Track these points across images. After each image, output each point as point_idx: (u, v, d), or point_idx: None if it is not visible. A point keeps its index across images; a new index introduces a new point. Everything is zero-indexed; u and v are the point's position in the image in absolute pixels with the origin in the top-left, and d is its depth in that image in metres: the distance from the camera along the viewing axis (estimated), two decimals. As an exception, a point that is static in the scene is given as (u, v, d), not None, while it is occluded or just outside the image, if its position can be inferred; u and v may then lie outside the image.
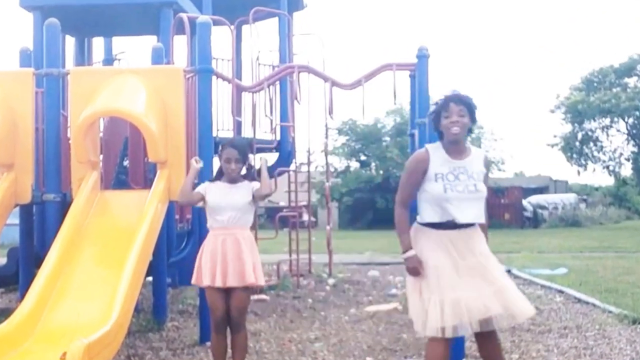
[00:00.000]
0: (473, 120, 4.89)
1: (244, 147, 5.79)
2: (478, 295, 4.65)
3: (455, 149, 4.88)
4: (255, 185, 5.70)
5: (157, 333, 7.90)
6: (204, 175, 6.90)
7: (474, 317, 4.63)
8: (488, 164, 5.07)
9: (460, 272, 4.72)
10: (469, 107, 4.85)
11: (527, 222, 42.57)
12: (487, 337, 4.83)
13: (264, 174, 5.74)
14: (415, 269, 4.80)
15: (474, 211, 4.82)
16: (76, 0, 10.05)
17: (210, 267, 5.56)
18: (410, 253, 4.84)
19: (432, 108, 5.04)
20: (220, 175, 5.83)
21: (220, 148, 5.78)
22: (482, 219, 4.90)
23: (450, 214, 4.75)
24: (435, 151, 4.90)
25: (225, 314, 5.52)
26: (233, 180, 5.70)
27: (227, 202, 5.59)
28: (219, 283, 5.47)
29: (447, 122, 4.80)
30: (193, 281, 5.76)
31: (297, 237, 12.47)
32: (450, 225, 4.79)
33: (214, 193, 5.68)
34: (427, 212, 4.87)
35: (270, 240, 11.88)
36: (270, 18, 13.65)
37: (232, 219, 5.56)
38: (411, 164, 5.00)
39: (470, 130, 4.98)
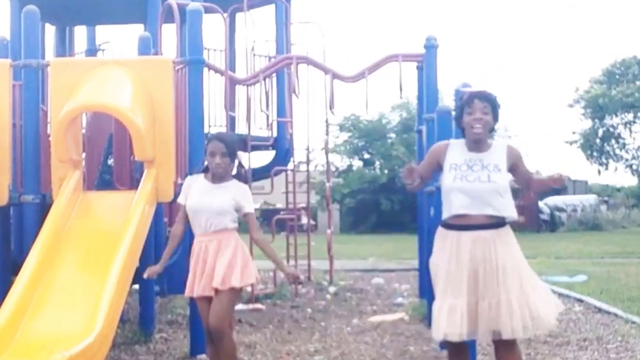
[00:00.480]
0: (496, 119, 5.03)
1: (232, 142, 5.67)
2: (483, 304, 4.76)
3: (476, 144, 5.00)
4: (247, 197, 5.59)
5: (144, 345, 7.90)
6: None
7: (469, 326, 4.77)
8: (513, 152, 5.12)
9: (467, 278, 4.81)
10: (493, 105, 4.98)
11: (543, 226, 42.57)
12: (503, 345, 4.87)
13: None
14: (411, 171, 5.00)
15: (486, 206, 4.87)
16: (57, -14, 10.08)
17: (191, 277, 5.58)
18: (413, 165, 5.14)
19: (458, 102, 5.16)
20: (206, 170, 5.76)
21: (206, 142, 5.73)
22: (502, 211, 4.93)
23: (455, 203, 4.89)
24: (455, 146, 5.10)
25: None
26: (218, 179, 5.60)
27: (204, 205, 5.51)
28: (197, 293, 5.49)
29: (470, 118, 4.92)
30: (186, 292, 5.77)
31: (296, 242, 12.49)
32: (458, 225, 4.89)
33: (194, 194, 5.60)
34: (444, 209, 5.03)
35: (266, 245, 11.87)
36: (267, 5, 13.65)
37: (210, 224, 5.50)
38: (430, 150, 5.28)
39: (492, 129, 5.09)
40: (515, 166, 5.02)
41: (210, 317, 5.41)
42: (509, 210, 4.96)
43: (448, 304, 4.83)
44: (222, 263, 5.45)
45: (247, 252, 5.69)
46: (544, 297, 4.95)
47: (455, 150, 5.03)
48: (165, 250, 5.87)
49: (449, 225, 4.95)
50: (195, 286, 5.49)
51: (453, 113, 5.29)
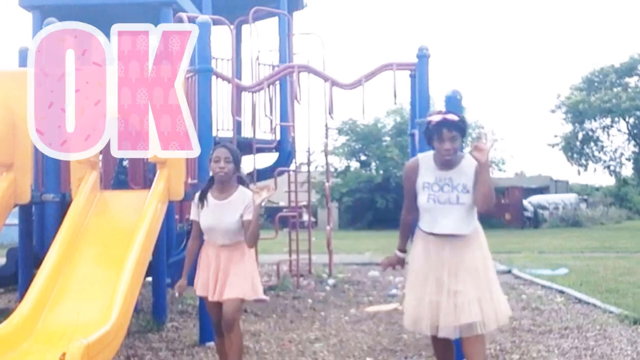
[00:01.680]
0: (464, 136, 4.97)
1: (235, 150, 5.58)
2: (445, 301, 4.84)
3: (445, 162, 4.96)
4: (248, 198, 5.45)
5: (156, 333, 7.91)
6: (202, 178, 6.94)
7: (429, 321, 4.90)
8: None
9: (434, 279, 4.90)
10: (460, 129, 4.90)
11: (527, 222, 42.58)
12: (465, 342, 4.90)
13: (255, 217, 5.36)
14: (384, 263, 5.43)
15: (454, 223, 4.89)
16: (75, 0, 10.05)
17: (203, 281, 5.55)
18: (395, 252, 5.33)
19: (426, 122, 5.09)
20: (209, 186, 5.62)
21: (211, 151, 5.61)
22: (463, 230, 4.93)
23: (435, 222, 4.93)
24: (425, 160, 5.05)
25: (220, 317, 5.51)
26: (223, 186, 5.49)
27: (218, 225, 5.43)
28: (212, 297, 5.46)
29: (440, 147, 4.87)
30: (197, 292, 5.73)
31: (297, 237, 12.49)
32: (432, 232, 4.96)
33: (205, 213, 5.51)
34: (421, 219, 5.06)
35: (270, 241, 11.89)
36: (270, 18, 13.67)
37: (225, 240, 5.46)
38: (404, 173, 5.20)
39: (461, 147, 5.07)
40: (475, 174, 4.94)
41: (225, 311, 5.39)
42: (473, 224, 4.98)
43: (419, 297, 4.95)
44: (236, 275, 5.41)
45: (253, 261, 5.65)
46: (498, 301, 4.97)
47: (426, 168, 4.99)
48: (185, 266, 5.78)
49: (425, 231, 5.02)
50: (210, 292, 5.45)
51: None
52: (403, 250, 5.28)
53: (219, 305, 5.46)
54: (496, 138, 5.17)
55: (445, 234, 4.89)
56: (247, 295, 5.46)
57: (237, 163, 5.54)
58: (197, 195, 5.63)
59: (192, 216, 5.65)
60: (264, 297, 5.59)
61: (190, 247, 5.75)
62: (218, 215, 5.42)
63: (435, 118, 4.89)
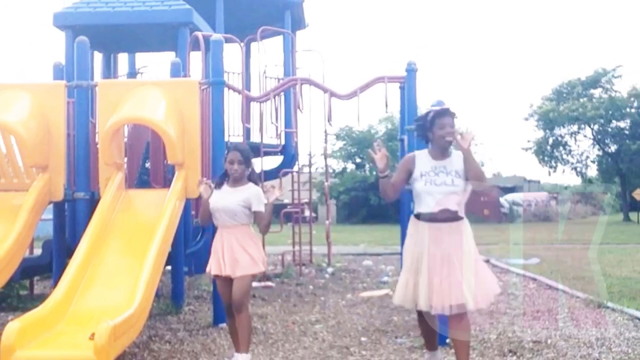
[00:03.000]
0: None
1: (247, 152, 5.66)
2: (437, 281, 4.84)
3: (439, 153, 5.05)
4: (257, 197, 5.51)
5: (175, 316, 7.90)
6: (216, 176, 6.93)
7: (416, 299, 4.94)
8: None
9: (420, 260, 4.94)
10: (455, 119, 5.05)
11: (504, 218, 42.57)
12: (451, 319, 4.89)
13: (268, 213, 5.53)
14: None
15: (449, 202, 4.93)
16: (104, 20, 10.05)
17: (215, 260, 5.55)
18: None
19: (423, 115, 5.18)
20: (223, 178, 5.70)
21: (225, 152, 5.72)
22: (456, 208, 4.96)
23: (426, 202, 4.96)
24: (421, 156, 5.14)
25: (230, 300, 5.51)
26: (236, 182, 5.58)
27: (222, 205, 5.49)
28: (224, 272, 5.46)
29: (441, 132, 4.96)
30: (212, 272, 5.69)
31: (300, 231, 12.49)
32: (427, 218, 4.96)
33: (215, 195, 5.58)
34: (416, 205, 5.11)
35: (275, 234, 11.85)
36: (276, 36, 13.67)
37: (226, 220, 5.50)
38: (401, 162, 5.29)
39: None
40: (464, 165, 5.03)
41: (234, 294, 5.39)
42: (461, 207, 5.01)
43: (409, 278, 5.00)
44: (242, 255, 5.43)
45: (259, 243, 5.67)
46: (485, 280, 4.97)
47: (422, 160, 5.09)
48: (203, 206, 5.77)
49: (419, 216, 5.03)
50: (222, 268, 5.46)
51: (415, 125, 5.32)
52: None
53: (229, 286, 5.45)
54: (474, 135, 5.17)
55: (439, 212, 4.91)
56: (254, 269, 5.49)
57: (247, 161, 5.61)
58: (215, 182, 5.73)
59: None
60: (270, 283, 5.59)
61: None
62: (224, 198, 5.51)
63: (436, 108, 5.07)
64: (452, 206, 4.93)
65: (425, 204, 4.97)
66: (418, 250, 4.98)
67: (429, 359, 5.32)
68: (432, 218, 4.94)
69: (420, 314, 5.15)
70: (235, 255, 5.44)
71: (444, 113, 5.00)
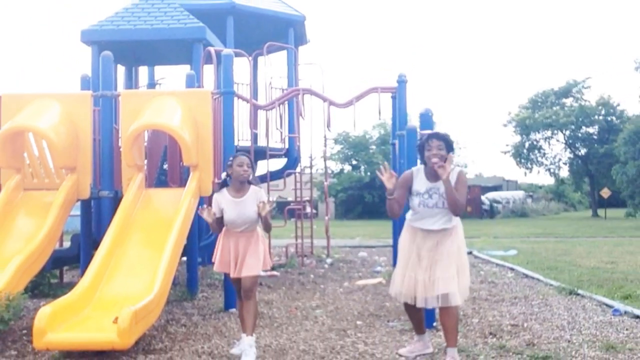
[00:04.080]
0: (450, 150, 4.93)
1: (251, 159, 5.59)
2: (426, 278, 4.92)
3: (433, 174, 4.97)
4: (260, 196, 5.44)
5: (190, 302, 7.90)
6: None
7: (409, 293, 5.00)
8: (461, 177, 5.01)
9: (409, 257, 5.04)
10: (446, 141, 4.93)
11: (485, 214, 42.61)
12: (441, 310, 4.98)
13: (265, 217, 5.37)
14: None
15: (439, 221, 4.99)
16: (126, 37, 10.06)
17: (224, 261, 5.46)
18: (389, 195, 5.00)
19: (419, 139, 5.23)
20: (224, 184, 5.53)
21: (231, 158, 5.52)
22: (444, 226, 5.00)
23: (421, 220, 5.03)
24: (418, 173, 5.10)
25: (240, 289, 5.48)
26: (239, 188, 5.42)
27: (240, 218, 5.36)
28: (233, 274, 5.39)
29: (429, 154, 4.92)
30: (215, 268, 5.61)
31: (302, 226, 12.48)
32: (422, 230, 5.05)
33: (228, 209, 5.39)
34: (412, 216, 5.13)
35: (280, 228, 11.87)
36: (280, 51, 13.66)
37: (246, 229, 5.41)
38: (400, 179, 5.12)
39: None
40: (455, 185, 4.96)
41: (244, 285, 5.35)
42: (453, 222, 5.04)
43: (404, 274, 5.04)
44: (252, 256, 5.37)
45: (264, 242, 5.61)
46: (464, 282, 5.01)
47: (419, 179, 5.05)
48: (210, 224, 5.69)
49: (413, 225, 5.11)
50: (231, 270, 5.39)
51: (419, 135, 5.35)
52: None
53: (239, 280, 5.43)
54: (455, 162, 5.09)
55: (430, 229, 4.98)
56: (261, 269, 5.45)
57: (253, 167, 5.62)
58: (216, 195, 5.55)
59: (215, 211, 5.43)
60: (275, 272, 5.58)
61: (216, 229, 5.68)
62: (239, 210, 5.36)
63: (427, 132, 5.16)
64: (443, 225, 4.98)
65: (419, 221, 5.04)
66: (410, 249, 5.05)
67: (418, 340, 5.32)
68: (424, 230, 5.03)
69: (406, 304, 5.17)
70: (245, 257, 5.38)
71: (433, 136, 4.97)
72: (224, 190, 5.48)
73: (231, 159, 5.50)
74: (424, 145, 4.97)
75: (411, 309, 5.19)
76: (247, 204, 5.38)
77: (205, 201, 8.47)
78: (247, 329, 5.35)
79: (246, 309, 5.40)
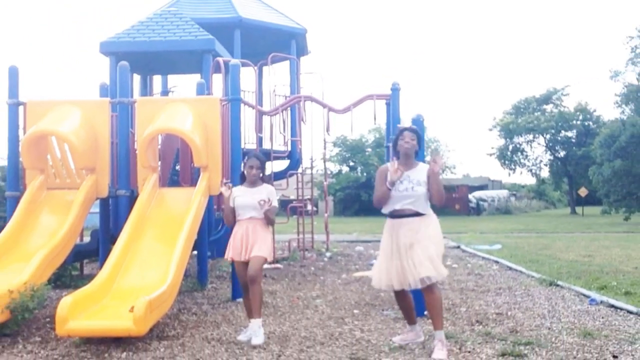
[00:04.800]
0: (420, 143, 5.28)
1: (263, 160, 5.77)
2: (406, 264, 4.95)
3: (406, 163, 5.12)
4: (273, 195, 5.56)
5: (200, 292, 7.90)
6: (235, 177, 6.95)
7: (392, 279, 5.03)
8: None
9: (390, 249, 5.08)
10: (417, 135, 5.23)
11: (472, 211, 42.61)
12: (424, 292, 4.99)
13: (267, 215, 5.48)
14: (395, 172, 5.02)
15: (407, 204, 5.02)
16: (141, 48, 10.06)
17: (235, 247, 5.50)
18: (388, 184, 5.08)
19: (395, 136, 5.33)
20: (242, 180, 5.72)
21: (246, 157, 5.73)
22: (414, 209, 5.02)
23: (392, 204, 5.07)
24: (392, 166, 5.15)
25: (246, 279, 5.48)
26: (253, 183, 5.61)
27: (248, 202, 5.49)
28: (244, 257, 5.44)
29: (402, 142, 5.15)
30: (226, 256, 5.66)
31: (303, 222, 12.48)
32: (395, 215, 5.07)
33: (239, 196, 5.56)
34: (386, 206, 5.16)
35: (283, 224, 11.86)
36: (284, 61, 13.66)
37: (249, 214, 5.49)
38: (378, 173, 5.27)
39: (417, 153, 5.22)
40: (428, 177, 5.09)
41: (250, 268, 5.39)
42: (423, 207, 5.07)
43: (386, 265, 5.08)
44: (258, 242, 5.43)
45: (271, 236, 5.67)
46: (438, 262, 5.01)
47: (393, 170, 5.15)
48: (225, 205, 5.70)
49: (391, 215, 5.11)
50: (241, 254, 5.44)
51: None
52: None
53: (246, 268, 5.43)
54: (445, 157, 5.16)
55: (400, 209, 5.02)
56: (266, 255, 5.47)
57: (263, 167, 5.71)
58: (234, 188, 5.67)
59: (230, 203, 5.63)
60: (279, 265, 5.58)
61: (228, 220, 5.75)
62: (248, 196, 5.51)
63: (401, 127, 5.32)
64: (409, 206, 5.01)
65: (391, 205, 5.09)
66: (390, 242, 5.08)
67: (410, 330, 5.32)
68: (394, 215, 5.06)
69: (397, 293, 5.20)
70: (253, 242, 5.44)
71: (406, 129, 5.21)
72: (241, 186, 5.67)
73: (246, 159, 5.68)
74: (398, 137, 5.18)
75: (400, 298, 5.21)
76: (256, 193, 5.53)
77: (214, 199, 8.50)
78: (254, 313, 5.38)
79: (252, 293, 5.42)
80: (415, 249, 4.93)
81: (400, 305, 5.31)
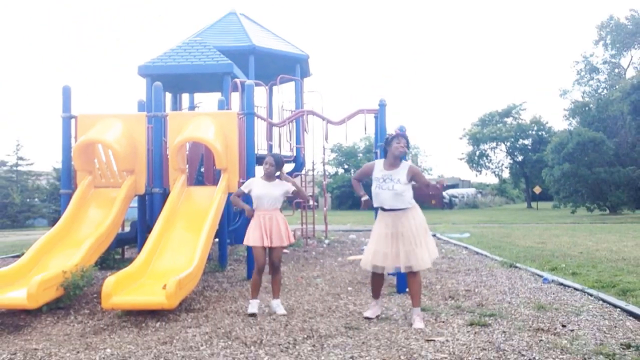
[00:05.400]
0: (408, 146, 5.19)
1: (279, 159, 5.59)
2: (390, 251, 4.92)
3: (391, 163, 5.07)
4: (289, 188, 5.48)
5: (221, 273, 7.90)
6: (250, 177, 6.93)
7: (386, 263, 4.95)
8: (412, 169, 5.10)
9: (387, 237, 4.96)
10: (407, 140, 5.17)
11: (445, 206, 42.60)
12: (410, 274, 4.96)
13: (301, 191, 5.59)
14: (366, 203, 5.21)
15: (392, 201, 4.97)
16: (172, 71, 10.05)
17: (258, 234, 5.34)
18: (364, 197, 5.21)
19: (387, 137, 5.24)
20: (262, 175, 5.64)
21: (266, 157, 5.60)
22: (398, 205, 4.96)
23: (380, 200, 5.03)
24: (378, 165, 5.16)
25: (265, 262, 5.45)
26: (269, 178, 5.51)
27: (267, 194, 5.39)
28: (266, 244, 5.33)
29: (398, 145, 5.05)
30: (248, 242, 5.47)
31: (306, 214, 12.47)
32: (384, 208, 5.02)
33: (258, 187, 5.45)
34: (374, 200, 5.13)
35: (289, 216, 11.82)
36: (290, 82, 13.65)
37: (270, 205, 5.39)
38: (364, 166, 5.33)
39: (405, 155, 5.17)
40: (414, 177, 5.07)
41: (274, 259, 5.36)
42: (405, 203, 4.99)
43: (375, 249, 5.00)
44: (282, 229, 5.38)
45: (286, 220, 5.56)
46: (430, 249, 5.01)
47: (378, 168, 5.11)
48: (238, 203, 5.68)
49: (382, 210, 5.05)
50: (265, 240, 5.31)
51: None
52: (363, 194, 5.22)
53: (264, 253, 5.36)
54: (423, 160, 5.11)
55: (387, 207, 4.98)
56: (286, 242, 5.41)
57: (278, 165, 5.56)
58: (250, 179, 5.69)
59: (243, 188, 5.55)
60: (286, 250, 5.56)
61: (234, 200, 5.69)
62: (266, 189, 5.42)
63: (394, 132, 5.19)
64: (395, 204, 4.96)
65: (378, 201, 5.05)
66: (384, 229, 4.99)
67: (376, 304, 5.20)
68: (388, 209, 5.00)
69: (375, 274, 5.10)
70: (277, 230, 5.36)
71: (400, 136, 5.13)
72: (259, 177, 5.62)
73: (266, 157, 5.58)
74: (394, 139, 5.07)
75: (377, 278, 5.13)
76: (272, 187, 5.47)
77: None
78: (276, 293, 5.43)
79: (276, 279, 5.44)
80: (409, 238, 4.88)
81: (375, 283, 5.20)
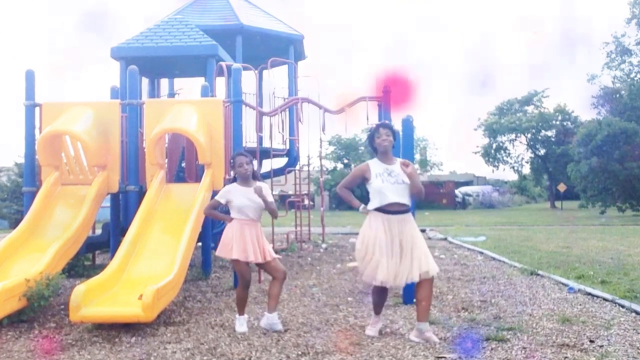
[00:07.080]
0: (395, 138, 5.07)
1: (248, 154, 5.42)
2: (395, 262, 4.78)
3: (385, 158, 5.01)
4: (267, 191, 5.29)
5: (204, 281, 7.89)
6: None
7: (389, 276, 4.77)
8: (403, 164, 5.03)
9: (389, 245, 4.80)
10: (392, 131, 5.05)
11: (458, 205, 42.65)
12: (421, 284, 4.85)
13: (271, 205, 5.28)
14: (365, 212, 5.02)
15: (399, 195, 4.87)
16: (149, 53, 10.02)
17: (240, 246, 5.21)
18: (361, 208, 5.04)
19: (369, 132, 5.17)
20: (234, 180, 5.42)
21: (232, 160, 5.42)
22: (407, 201, 4.91)
23: (387, 196, 4.85)
24: (373, 163, 5.06)
25: (250, 278, 5.35)
26: (245, 182, 5.31)
27: (252, 203, 5.22)
28: (259, 259, 5.24)
29: (379, 140, 4.98)
30: (218, 253, 5.37)
31: (301, 215, 12.46)
32: (388, 210, 4.84)
33: (237, 197, 5.25)
34: (374, 201, 4.93)
35: (282, 217, 11.79)
36: (282, 65, 13.64)
37: (253, 214, 5.24)
38: (355, 170, 5.18)
39: (393, 146, 5.08)
40: (408, 177, 4.96)
41: (280, 271, 5.32)
42: (410, 200, 4.98)
43: (380, 260, 4.79)
44: (265, 243, 5.29)
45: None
46: (430, 257, 4.92)
47: (375, 165, 5.01)
48: (216, 216, 5.64)
49: (383, 210, 4.85)
50: (256, 255, 5.21)
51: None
52: (359, 204, 5.07)
53: (249, 267, 5.31)
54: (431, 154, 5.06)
55: (394, 202, 4.83)
56: (272, 256, 5.34)
57: (251, 162, 5.37)
58: (227, 186, 5.44)
59: (219, 198, 5.35)
60: (277, 256, 5.50)
61: (211, 213, 5.60)
62: (249, 197, 5.23)
63: (376, 123, 5.15)
64: (405, 200, 4.88)
65: (385, 197, 4.84)
66: (388, 239, 4.80)
67: (378, 321, 5.16)
68: (390, 210, 4.82)
69: (380, 287, 4.97)
70: (261, 244, 5.27)
71: (381, 125, 5.07)
72: (235, 183, 5.39)
73: (232, 161, 5.40)
74: (374, 134, 5.01)
75: (381, 291, 5.04)
76: (251, 194, 5.25)
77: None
78: (272, 309, 5.29)
79: (278, 290, 5.33)
80: (416, 242, 4.82)
81: (378, 298, 5.12)
